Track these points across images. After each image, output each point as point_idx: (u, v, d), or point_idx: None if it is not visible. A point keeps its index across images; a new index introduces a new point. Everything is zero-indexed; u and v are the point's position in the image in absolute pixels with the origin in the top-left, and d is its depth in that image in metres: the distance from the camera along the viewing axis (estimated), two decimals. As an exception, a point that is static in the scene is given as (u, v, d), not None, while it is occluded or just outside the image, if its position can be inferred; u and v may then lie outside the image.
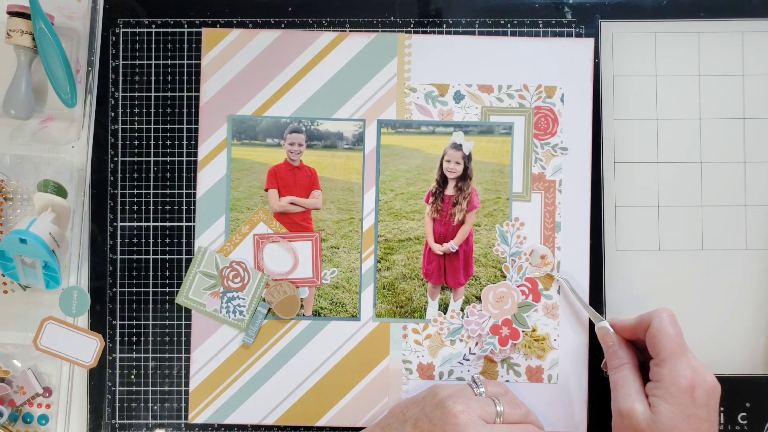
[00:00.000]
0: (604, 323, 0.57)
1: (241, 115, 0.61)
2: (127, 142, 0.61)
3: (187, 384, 0.61)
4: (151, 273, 0.61)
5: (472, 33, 0.61)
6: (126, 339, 0.61)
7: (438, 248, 0.61)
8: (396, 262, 0.61)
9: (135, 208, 0.61)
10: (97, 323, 0.61)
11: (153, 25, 0.62)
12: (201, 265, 0.60)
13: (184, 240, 0.61)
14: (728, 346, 0.60)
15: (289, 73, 0.61)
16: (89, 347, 0.59)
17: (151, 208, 0.61)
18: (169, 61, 0.61)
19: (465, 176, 0.60)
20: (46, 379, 0.61)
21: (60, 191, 0.59)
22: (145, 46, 0.62)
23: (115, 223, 0.61)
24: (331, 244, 0.61)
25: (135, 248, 0.61)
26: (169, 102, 0.61)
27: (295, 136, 0.61)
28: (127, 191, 0.61)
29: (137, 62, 0.62)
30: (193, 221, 0.61)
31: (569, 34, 0.61)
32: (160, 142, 0.61)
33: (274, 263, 0.61)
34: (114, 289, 0.61)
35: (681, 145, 0.60)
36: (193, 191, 0.61)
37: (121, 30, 0.62)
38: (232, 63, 0.61)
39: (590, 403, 0.60)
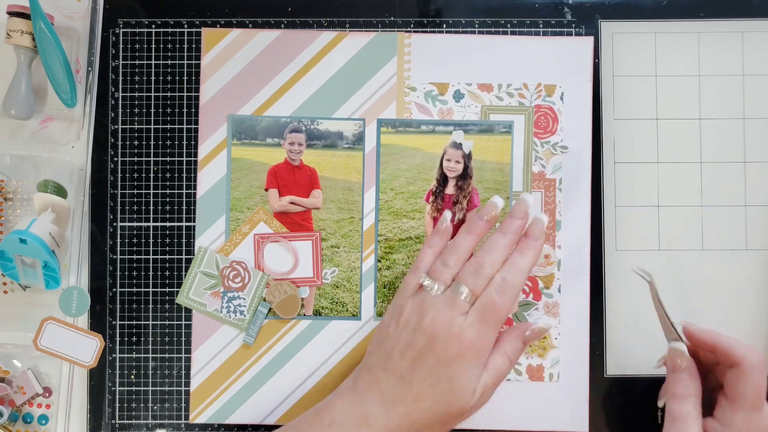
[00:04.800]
0: (680, 344, 0.50)
1: (241, 115, 0.61)
2: (127, 142, 0.61)
3: (187, 384, 0.60)
4: (151, 273, 0.61)
5: (472, 33, 0.61)
6: (126, 339, 0.61)
7: (438, 248, 0.60)
8: (396, 261, 0.60)
9: (135, 208, 0.61)
10: (97, 323, 0.61)
11: (153, 25, 0.62)
12: (201, 265, 0.60)
13: (184, 240, 0.61)
14: (729, 345, 0.60)
15: (288, 73, 0.61)
16: (89, 347, 0.59)
17: (151, 208, 0.61)
18: (169, 61, 0.61)
19: (465, 175, 0.60)
20: (46, 379, 0.61)
21: (60, 191, 0.59)
22: (145, 46, 0.62)
23: (115, 223, 0.61)
24: (332, 243, 0.61)
25: (135, 248, 0.61)
26: (169, 102, 0.61)
27: (295, 135, 0.61)
28: (127, 191, 0.61)
29: (137, 62, 0.62)
30: (193, 221, 0.61)
31: (569, 34, 0.61)
32: (160, 142, 0.61)
33: (274, 263, 0.61)
34: (114, 289, 0.61)
35: (681, 145, 0.60)
36: (193, 191, 0.61)
37: (121, 30, 0.62)
38: (232, 63, 0.61)
39: (591, 402, 0.60)
